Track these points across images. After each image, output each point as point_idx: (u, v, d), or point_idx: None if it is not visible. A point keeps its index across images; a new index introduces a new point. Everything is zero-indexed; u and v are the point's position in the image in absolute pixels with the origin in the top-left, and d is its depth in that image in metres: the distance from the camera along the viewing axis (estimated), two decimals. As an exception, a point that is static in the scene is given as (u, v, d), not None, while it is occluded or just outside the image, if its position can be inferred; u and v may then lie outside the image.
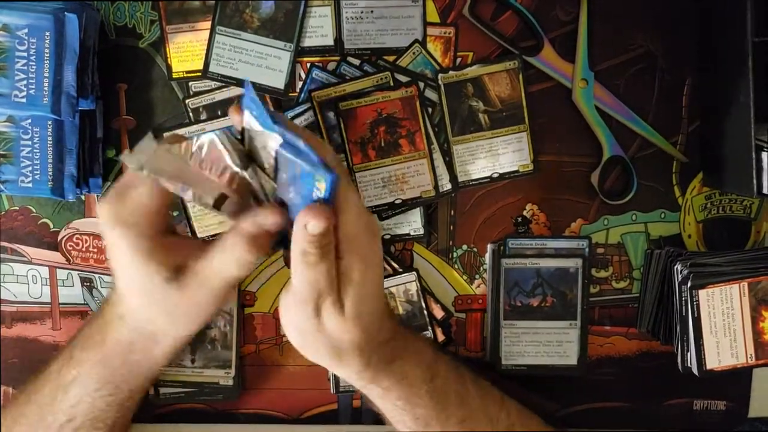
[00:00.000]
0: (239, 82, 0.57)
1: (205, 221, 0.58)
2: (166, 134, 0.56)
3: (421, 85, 0.57)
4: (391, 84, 0.57)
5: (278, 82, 0.57)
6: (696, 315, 0.55)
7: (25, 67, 0.52)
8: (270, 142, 0.42)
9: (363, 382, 0.48)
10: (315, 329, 0.44)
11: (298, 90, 0.58)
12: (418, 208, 0.59)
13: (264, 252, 0.44)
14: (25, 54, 0.52)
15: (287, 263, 0.59)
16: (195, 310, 0.46)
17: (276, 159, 0.43)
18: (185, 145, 0.43)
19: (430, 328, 0.59)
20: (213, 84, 0.58)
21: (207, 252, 0.44)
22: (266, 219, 0.43)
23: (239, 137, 0.45)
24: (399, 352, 0.49)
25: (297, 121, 0.58)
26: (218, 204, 0.44)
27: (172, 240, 0.46)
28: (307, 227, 0.40)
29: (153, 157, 0.42)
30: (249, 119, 0.43)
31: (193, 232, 0.58)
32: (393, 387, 0.48)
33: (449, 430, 0.49)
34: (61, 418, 0.49)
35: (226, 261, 0.43)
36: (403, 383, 0.48)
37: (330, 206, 0.41)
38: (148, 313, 0.46)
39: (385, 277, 0.59)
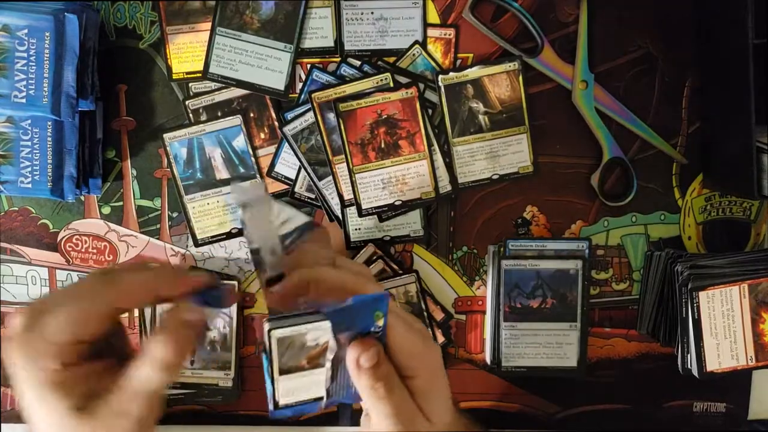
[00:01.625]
0: (239, 83, 0.57)
1: (204, 222, 0.58)
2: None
3: (422, 86, 0.57)
4: (391, 85, 0.57)
5: (278, 83, 0.57)
6: (696, 317, 0.55)
7: (25, 68, 0.52)
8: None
9: None
10: None
11: (298, 91, 0.58)
12: (418, 210, 0.58)
13: (190, 350, 0.40)
14: (25, 54, 0.52)
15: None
16: None
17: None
18: (276, 208, 0.43)
19: (430, 330, 0.59)
20: (213, 85, 0.58)
21: (125, 371, 0.38)
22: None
23: None
24: None
25: (297, 122, 0.58)
26: (274, 280, 0.42)
27: (91, 367, 0.39)
28: (360, 362, 0.40)
29: (258, 202, 0.41)
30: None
31: (193, 234, 0.58)
32: None
33: None
34: None
35: (145, 369, 0.38)
36: None
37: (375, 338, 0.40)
38: None
39: (385, 278, 0.59)
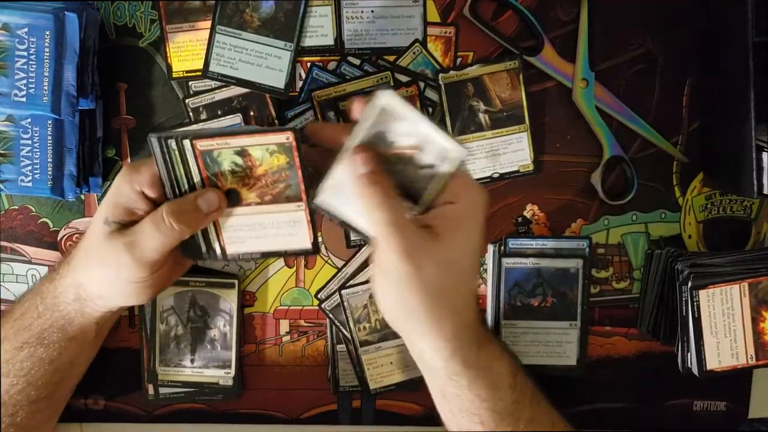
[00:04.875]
0: (239, 82, 0.57)
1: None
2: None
3: (422, 84, 0.57)
4: (392, 84, 0.57)
5: (278, 81, 0.57)
6: (696, 315, 0.55)
7: (25, 67, 0.52)
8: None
9: (455, 365, 0.46)
10: (410, 277, 0.43)
11: (298, 90, 0.58)
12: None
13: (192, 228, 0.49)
14: (25, 53, 0.52)
15: (287, 263, 0.59)
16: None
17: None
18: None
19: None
20: (213, 83, 0.57)
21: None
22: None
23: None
24: (486, 341, 0.48)
25: (297, 121, 0.58)
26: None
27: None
28: (358, 167, 0.45)
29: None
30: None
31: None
32: (481, 375, 0.47)
33: (520, 430, 0.48)
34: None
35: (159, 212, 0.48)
36: (490, 372, 0.47)
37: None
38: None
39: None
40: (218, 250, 0.52)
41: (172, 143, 0.47)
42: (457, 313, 0.45)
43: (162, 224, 0.48)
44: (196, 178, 0.49)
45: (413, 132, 0.45)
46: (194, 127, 0.57)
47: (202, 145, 0.47)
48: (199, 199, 0.49)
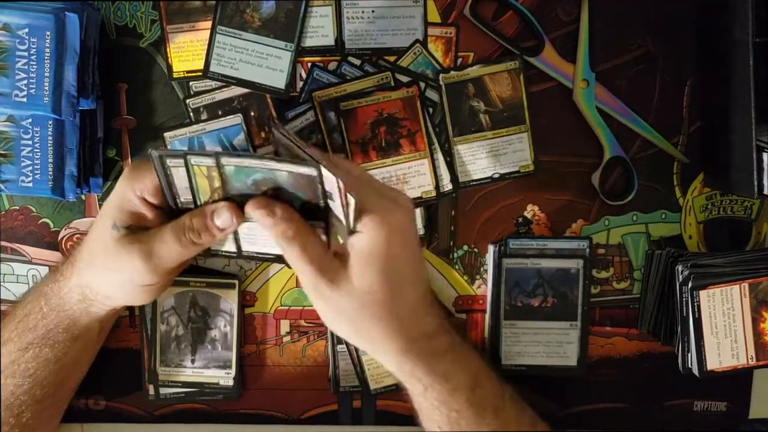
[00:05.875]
0: (239, 82, 0.57)
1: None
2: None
3: (422, 85, 0.57)
4: (392, 84, 0.57)
5: (279, 82, 0.57)
6: (697, 316, 0.55)
7: (26, 67, 0.52)
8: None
9: (404, 375, 0.48)
10: (326, 307, 0.47)
11: (298, 90, 0.58)
12: (418, 209, 0.58)
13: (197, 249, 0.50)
14: (26, 53, 0.52)
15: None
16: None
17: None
18: None
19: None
20: (214, 84, 0.57)
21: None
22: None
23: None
24: (443, 351, 0.49)
25: (297, 121, 0.58)
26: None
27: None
28: (254, 219, 0.47)
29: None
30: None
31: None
32: (433, 386, 0.48)
33: None
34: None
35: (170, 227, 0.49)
36: (445, 385, 0.48)
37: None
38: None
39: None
40: (233, 246, 0.52)
41: (182, 161, 0.47)
42: (390, 334, 0.47)
43: (183, 238, 0.49)
44: (205, 197, 0.49)
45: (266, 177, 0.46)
46: (193, 127, 0.57)
47: (226, 161, 0.47)
48: (216, 219, 0.49)
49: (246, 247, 0.52)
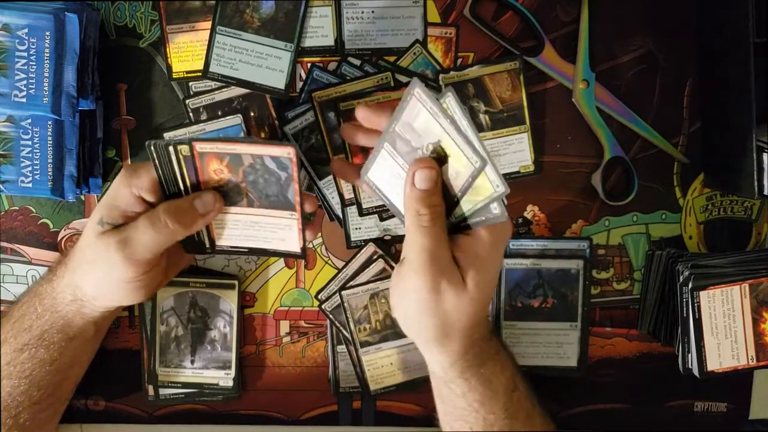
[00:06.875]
0: (239, 82, 0.57)
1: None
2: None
3: (422, 85, 0.57)
4: (392, 84, 0.57)
5: (279, 82, 0.57)
6: (697, 316, 0.55)
7: (26, 67, 0.52)
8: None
9: (453, 374, 0.48)
10: (430, 305, 0.45)
11: (298, 90, 0.58)
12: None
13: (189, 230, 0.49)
14: (26, 54, 0.52)
15: (287, 264, 0.59)
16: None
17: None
18: None
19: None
20: (213, 84, 0.57)
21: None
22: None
23: None
24: (489, 356, 0.49)
25: (297, 122, 0.58)
26: None
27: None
28: (415, 182, 0.44)
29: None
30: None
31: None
32: (477, 388, 0.48)
33: None
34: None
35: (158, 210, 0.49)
36: (488, 387, 0.48)
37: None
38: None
39: (386, 278, 0.58)
40: (206, 242, 0.52)
41: (171, 148, 0.47)
42: (465, 336, 0.46)
43: (158, 222, 0.48)
44: (193, 181, 0.49)
45: (449, 135, 0.44)
46: (193, 128, 0.57)
47: (201, 147, 0.47)
48: (196, 200, 0.49)
49: (221, 243, 0.52)
